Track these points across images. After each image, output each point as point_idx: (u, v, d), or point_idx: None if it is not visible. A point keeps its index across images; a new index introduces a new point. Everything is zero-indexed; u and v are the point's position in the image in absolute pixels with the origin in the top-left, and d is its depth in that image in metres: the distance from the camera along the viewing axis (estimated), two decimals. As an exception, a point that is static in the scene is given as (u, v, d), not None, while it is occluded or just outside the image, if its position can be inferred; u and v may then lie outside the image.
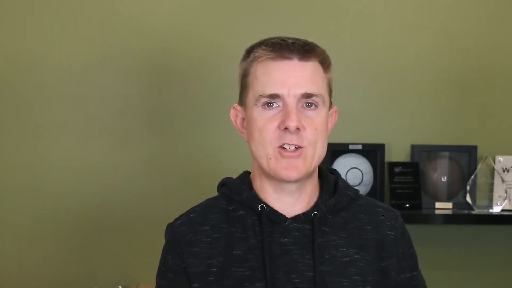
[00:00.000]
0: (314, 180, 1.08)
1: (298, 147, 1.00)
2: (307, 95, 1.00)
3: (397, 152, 1.99)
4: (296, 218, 1.05)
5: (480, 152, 1.95)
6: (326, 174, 1.12)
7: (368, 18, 1.97)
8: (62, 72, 1.95)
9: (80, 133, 1.94)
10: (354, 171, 1.98)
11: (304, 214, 1.05)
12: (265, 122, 1.00)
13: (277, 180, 1.03)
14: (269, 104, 1.01)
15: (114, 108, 1.95)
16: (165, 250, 1.10)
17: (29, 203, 1.96)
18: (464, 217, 1.91)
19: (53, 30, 1.95)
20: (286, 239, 1.02)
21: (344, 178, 1.17)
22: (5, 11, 1.95)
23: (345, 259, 1.03)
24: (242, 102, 1.08)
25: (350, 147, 1.97)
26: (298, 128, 0.98)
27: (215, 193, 1.16)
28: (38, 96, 1.94)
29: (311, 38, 1.09)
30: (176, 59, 1.95)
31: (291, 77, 1.00)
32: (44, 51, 1.95)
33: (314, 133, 1.00)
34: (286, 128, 0.98)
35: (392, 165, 1.97)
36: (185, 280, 1.06)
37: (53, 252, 1.96)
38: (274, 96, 1.00)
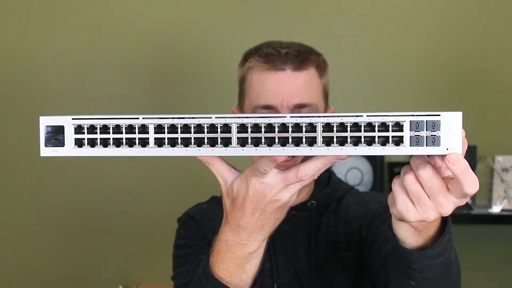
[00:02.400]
0: None
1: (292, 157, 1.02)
2: (301, 105, 1.03)
3: (396, 152, 1.99)
4: (295, 207, 1.09)
5: (479, 152, 1.95)
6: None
7: (367, 19, 1.98)
8: (62, 72, 1.96)
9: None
10: (354, 171, 1.98)
11: (302, 203, 1.10)
12: None
13: None
14: None
15: (114, 108, 1.95)
16: (183, 228, 1.13)
17: (29, 203, 1.97)
18: (463, 217, 1.90)
19: (53, 30, 1.96)
20: (286, 227, 1.05)
21: (344, 178, 1.18)
22: (5, 11, 1.96)
23: (334, 238, 1.07)
24: (240, 107, 1.11)
25: (350, 147, 1.96)
26: None
27: (214, 193, 1.19)
28: (38, 96, 1.95)
29: (310, 39, 1.10)
30: (176, 59, 1.96)
31: (284, 88, 1.02)
32: (44, 51, 1.96)
33: None
34: None
35: (392, 165, 1.97)
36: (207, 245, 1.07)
37: (53, 252, 1.97)
38: (268, 107, 1.03)
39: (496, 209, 1.91)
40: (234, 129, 0.63)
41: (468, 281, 1.97)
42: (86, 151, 0.67)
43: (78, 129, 0.67)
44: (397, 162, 1.98)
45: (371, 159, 1.97)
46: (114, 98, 1.97)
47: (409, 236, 0.72)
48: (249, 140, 0.63)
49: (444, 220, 0.73)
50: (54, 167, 1.95)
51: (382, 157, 1.97)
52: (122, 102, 1.96)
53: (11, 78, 1.96)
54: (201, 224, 1.11)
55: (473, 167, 1.92)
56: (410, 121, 0.60)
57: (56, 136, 0.68)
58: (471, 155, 1.95)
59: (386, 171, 1.98)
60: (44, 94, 1.96)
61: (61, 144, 0.68)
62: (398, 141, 0.60)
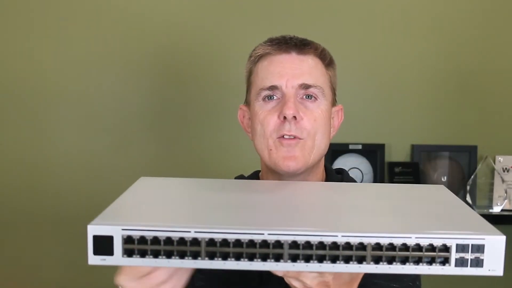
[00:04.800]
0: (318, 176, 1.14)
1: (296, 138, 1.05)
2: (305, 86, 1.06)
3: (397, 152, 2.07)
4: None
5: (480, 152, 2.03)
6: (332, 173, 1.19)
7: (368, 19, 2.01)
8: (62, 72, 1.98)
9: (81, 133, 1.99)
10: (354, 171, 2.05)
11: None
12: (266, 114, 1.06)
13: (278, 172, 1.08)
14: (270, 97, 1.07)
15: (114, 108, 1.99)
16: None
17: (29, 203, 2.02)
18: (464, 217, 1.99)
19: (53, 29, 1.97)
20: None
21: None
22: (5, 11, 1.96)
23: None
24: (247, 101, 1.15)
25: (350, 147, 2.03)
26: (295, 117, 1.03)
27: None
28: (39, 96, 1.98)
29: (312, 38, 1.14)
30: (177, 59, 1.99)
31: (289, 69, 1.06)
32: (44, 51, 1.98)
33: (313, 124, 1.05)
34: (285, 117, 1.03)
35: (392, 165, 2.04)
36: None
37: (53, 252, 2.03)
38: (273, 88, 1.06)
39: (496, 209, 2.00)
40: (286, 246, 0.68)
41: (468, 281, 2.09)
42: (136, 261, 0.70)
43: (128, 239, 0.69)
44: (397, 162, 2.05)
45: (372, 159, 2.04)
46: (116, 97, 2.00)
47: None
48: (300, 256, 0.68)
49: None
50: (53, 167, 1.99)
51: (382, 157, 2.04)
52: (124, 101, 2.00)
53: (11, 78, 1.98)
54: None
55: (473, 167, 2.01)
56: (457, 244, 0.66)
57: (104, 245, 0.70)
58: (472, 155, 2.03)
59: (386, 171, 2.05)
60: (45, 92, 1.98)
61: (110, 253, 0.69)
62: (444, 261, 0.66)
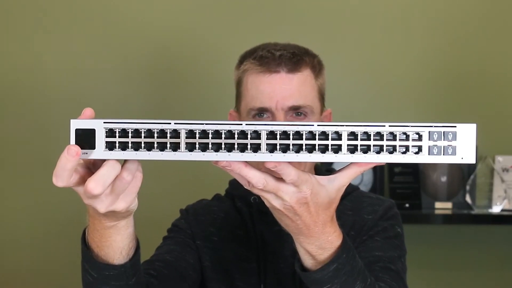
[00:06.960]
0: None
1: None
2: (295, 107, 1.09)
3: (396, 152, 2.07)
4: None
5: (479, 152, 2.03)
6: (321, 172, 1.22)
7: (367, 19, 2.06)
8: (62, 72, 2.02)
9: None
10: (353, 170, 2.05)
11: None
12: None
13: None
14: (260, 115, 1.11)
15: (114, 108, 2.02)
16: (178, 218, 1.25)
17: (29, 203, 2.02)
18: (463, 217, 2.00)
19: (53, 30, 2.02)
20: (277, 227, 1.08)
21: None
22: (5, 12, 2.02)
23: None
24: (237, 109, 1.18)
25: (350, 146, 2.04)
26: None
27: (214, 194, 1.30)
28: (38, 96, 2.01)
29: (310, 39, 1.17)
30: (176, 60, 2.03)
31: (278, 90, 1.09)
32: (44, 51, 2.02)
33: None
34: None
35: (392, 165, 2.05)
36: (190, 239, 1.19)
37: (53, 252, 2.03)
38: (263, 110, 1.10)
39: (496, 209, 2.00)
40: (263, 135, 0.70)
41: (468, 281, 2.08)
42: (117, 154, 0.72)
43: (110, 133, 0.72)
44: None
45: (371, 157, 2.05)
46: (113, 99, 2.03)
47: (303, 254, 0.82)
48: (278, 147, 0.70)
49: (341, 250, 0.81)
50: (53, 167, 2.00)
51: (382, 155, 2.05)
52: (121, 102, 2.03)
53: (11, 78, 2.02)
54: (191, 218, 1.22)
55: (473, 167, 2.02)
56: (429, 131, 0.68)
57: (86, 139, 0.72)
58: (472, 155, 2.03)
59: (386, 170, 2.06)
60: (44, 93, 2.02)
61: (92, 147, 0.72)
62: (417, 150, 0.68)
